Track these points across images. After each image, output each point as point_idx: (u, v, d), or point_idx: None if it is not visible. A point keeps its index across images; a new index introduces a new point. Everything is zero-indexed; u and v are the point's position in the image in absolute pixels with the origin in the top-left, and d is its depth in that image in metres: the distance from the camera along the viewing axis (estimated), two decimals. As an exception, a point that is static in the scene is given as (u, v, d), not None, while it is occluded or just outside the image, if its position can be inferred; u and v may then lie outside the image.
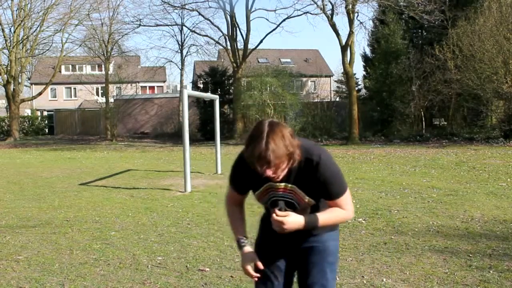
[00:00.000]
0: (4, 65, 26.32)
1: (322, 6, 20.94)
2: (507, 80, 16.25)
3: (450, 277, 3.60)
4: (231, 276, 3.73)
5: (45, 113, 36.75)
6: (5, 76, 26.13)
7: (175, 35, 43.47)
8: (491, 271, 3.68)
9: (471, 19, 17.52)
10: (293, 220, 1.86)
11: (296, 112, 22.90)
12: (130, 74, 29.17)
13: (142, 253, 4.42)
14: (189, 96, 8.84)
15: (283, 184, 1.95)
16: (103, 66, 29.81)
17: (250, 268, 2.04)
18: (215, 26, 31.18)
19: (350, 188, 1.99)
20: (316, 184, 1.90)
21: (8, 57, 26.21)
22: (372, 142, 19.88)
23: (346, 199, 1.96)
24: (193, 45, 29.59)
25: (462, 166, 10.61)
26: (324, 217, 1.93)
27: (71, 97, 42.08)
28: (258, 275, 2.04)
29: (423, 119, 21.43)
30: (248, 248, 2.06)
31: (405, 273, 3.71)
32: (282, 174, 1.84)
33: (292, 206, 1.97)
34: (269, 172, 1.79)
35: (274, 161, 1.75)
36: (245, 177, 1.99)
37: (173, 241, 4.82)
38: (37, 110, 37.78)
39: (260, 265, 2.03)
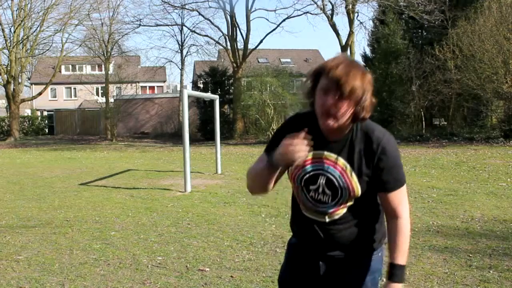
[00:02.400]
0: (4, 65, 26.30)
1: (322, 6, 20.97)
2: (507, 80, 16.23)
3: (450, 277, 3.60)
4: (231, 276, 3.73)
5: (45, 113, 36.74)
6: (5, 76, 26.12)
7: (175, 35, 43.77)
8: (491, 271, 3.68)
9: (471, 19, 17.51)
10: None
11: (297, 112, 22.89)
12: (130, 74, 29.17)
13: (142, 253, 4.42)
14: (189, 96, 8.84)
15: (334, 155, 1.59)
16: (103, 66, 29.82)
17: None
18: (215, 26, 31.36)
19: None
20: (371, 170, 1.57)
21: (8, 57, 26.19)
22: (372, 142, 19.81)
23: (404, 192, 1.61)
24: (193, 45, 29.82)
25: (462, 166, 10.61)
26: (402, 253, 1.61)
27: (71, 97, 42.06)
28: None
29: (423, 119, 21.42)
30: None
31: (405, 273, 3.71)
32: (340, 121, 1.51)
33: (332, 189, 1.59)
34: (331, 100, 1.47)
35: (346, 90, 1.46)
36: None
37: (173, 241, 4.82)
38: (37, 110, 37.77)
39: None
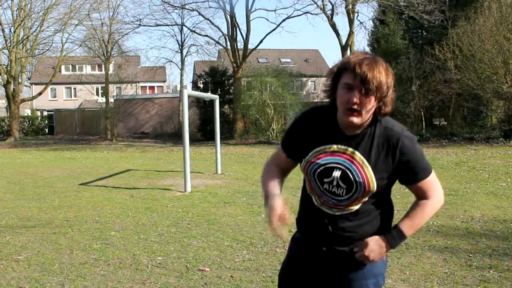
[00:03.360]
0: (4, 65, 26.31)
1: (322, 6, 20.98)
2: (507, 80, 16.23)
3: (450, 277, 3.60)
4: (231, 276, 3.73)
5: (45, 113, 36.75)
6: (5, 76, 26.13)
7: (175, 35, 43.72)
8: (491, 271, 3.68)
9: (471, 19, 17.51)
10: (376, 245, 1.57)
11: (296, 112, 22.94)
12: (130, 74, 29.18)
13: (142, 253, 4.42)
14: (189, 96, 8.84)
15: (350, 149, 1.57)
16: (103, 66, 29.83)
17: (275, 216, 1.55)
18: (215, 26, 31.35)
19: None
20: (391, 165, 1.55)
21: (8, 57, 26.20)
22: (372, 142, 19.80)
23: (433, 178, 1.60)
24: (193, 45, 29.71)
25: (462, 166, 10.61)
26: (411, 224, 1.61)
27: (71, 97, 42.08)
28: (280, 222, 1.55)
29: (423, 119, 21.42)
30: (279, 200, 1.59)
31: (405, 273, 3.71)
32: (364, 117, 1.50)
33: (347, 183, 1.56)
34: (356, 97, 1.47)
35: (373, 86, 1.45)
36: (303, 137, 1.63)
37: (173, 241, 4.82)
38: (37, 110, 37.78)
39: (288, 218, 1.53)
